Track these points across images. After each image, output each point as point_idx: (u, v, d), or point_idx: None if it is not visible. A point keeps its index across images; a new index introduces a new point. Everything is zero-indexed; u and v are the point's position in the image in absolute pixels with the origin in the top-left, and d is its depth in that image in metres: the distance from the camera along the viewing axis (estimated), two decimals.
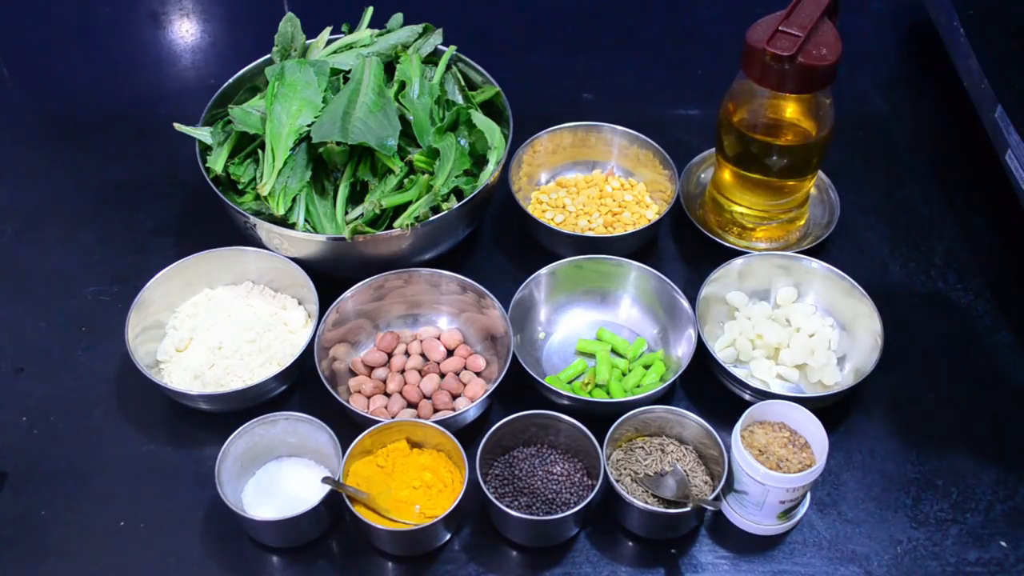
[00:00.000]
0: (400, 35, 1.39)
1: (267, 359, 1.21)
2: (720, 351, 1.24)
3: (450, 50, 1.39)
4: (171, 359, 1.22)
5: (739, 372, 1.20)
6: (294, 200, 1.24)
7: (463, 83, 1.38)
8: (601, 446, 1.09)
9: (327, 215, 1.25)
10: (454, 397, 1.20)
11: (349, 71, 1.32)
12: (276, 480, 1.13)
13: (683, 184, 1.41)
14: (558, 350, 1.28)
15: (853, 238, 1.40)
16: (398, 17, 1.42)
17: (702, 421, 1.11)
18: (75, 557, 1.10)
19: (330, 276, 1.26)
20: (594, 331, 1.28)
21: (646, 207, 1.39)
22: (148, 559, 1.10)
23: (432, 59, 1.38)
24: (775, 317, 1.27)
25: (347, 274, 1.24)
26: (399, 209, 1.24)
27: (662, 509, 1.08)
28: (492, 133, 1.30)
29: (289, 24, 1.37)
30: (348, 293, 1.22)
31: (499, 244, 1.39)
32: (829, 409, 1.19)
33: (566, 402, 1.16)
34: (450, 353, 1.25)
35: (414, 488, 1.09)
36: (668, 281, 1.24)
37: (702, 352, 1.20)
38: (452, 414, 1.13)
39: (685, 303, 1.23)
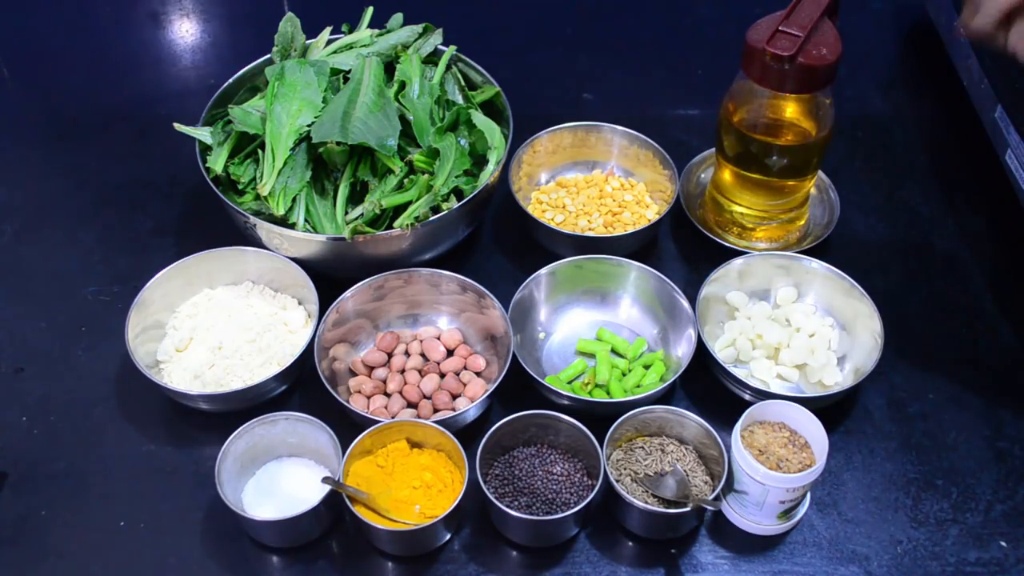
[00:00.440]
0: (400, 35, 1.39)
1: (267, 359, 1.21)
2: (720, 351, 1.24)
3: (450, 50, 1.39)
4: (171, 359, 1.22)
5: (739, 372, 1.20)
6: (294, 200, 1.24)
7: (463, 83, 1.38)
8: (601, 446, 1.09)
9: (327, 215, 1.25)
10: (454, 397, 1.20)
11: (349, 71, 1.32)
12: (276, 480, 1.13)
13: (683, 184, 1.41)
14: (558, 350, 1.28)
15: (853, 238, 1.40)
16: (398, 17, 1.42)
17: (702, 421, 1.11)
18: (75, 557, 1.10)
19: (330, 276, 1.26)
20: (594, 331, 1.28)
21: (646, 207, 1.39)
22: (148, 559, 1.10)
23: (432, 59, 1.38)
24: (775, 317, 1.27)
25: (347, 274, 1.24)
26: (399, 209, 1.24)
27: (662, 509, 1.08)
28: (492, 133, 1.30)
29: (289, 24, 1.37)
30: (348, 293, 1.22)
31: (499, 244, 1.39)
32: (829, 409, 1.19)
33: (566, 402, 1.16)
34: (450, 353, 1.25)
35: (414, 488, 1.09)
36: (668, 281, 1.24)
37: (702, 352, 1.20)
38: (452, 414, 1.13)
39: (685, 303, 1.23)
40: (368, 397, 1.19)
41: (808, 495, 1.12)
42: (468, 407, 1.13)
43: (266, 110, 1.26)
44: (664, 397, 1.20)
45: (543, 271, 1.26)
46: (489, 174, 1.28)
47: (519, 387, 1.19)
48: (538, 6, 1.78)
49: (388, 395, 1.20)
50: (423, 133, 1.28)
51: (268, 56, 1.38)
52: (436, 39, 1.40)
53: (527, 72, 1.63)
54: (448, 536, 1.10)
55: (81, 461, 1.17)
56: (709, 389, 1.22)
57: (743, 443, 1.07)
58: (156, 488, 1.15)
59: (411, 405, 1.20)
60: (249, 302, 1.27)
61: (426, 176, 1.24)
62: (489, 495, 1.06)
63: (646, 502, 1.08)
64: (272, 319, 1.25)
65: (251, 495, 1.11)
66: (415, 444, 1.13)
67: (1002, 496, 1.15)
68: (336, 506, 1.09)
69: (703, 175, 1.45)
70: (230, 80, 1.37)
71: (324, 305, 1.22)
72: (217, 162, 1.26)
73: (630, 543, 1.12)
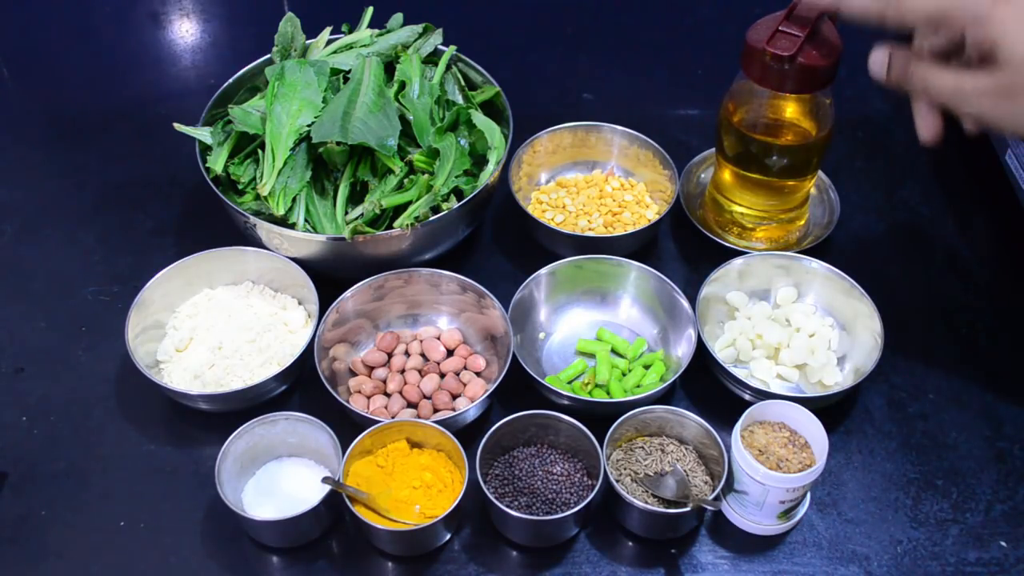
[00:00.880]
0: (400, 35, 1.39)
1: (267, 359, 1.21)
2: (720, 351, 1.24)
3: (450, 50, 1.39)
4: (171, 359, 1.22)
5: (739, 372, 1.20)
6: (294, 200, 1.24)
7: (463, 83, 1.38)
8: (601, 446, 1.09)
9: (327, 215, 1.25)
10: (454, 397, 1.20)
11: (349, 71, 1.32)
12: (276, 480, 1.13)
13: (683, 184, 1.41)
14: (558, 350, 1.28)
15: (853, 238, 1.40)
16: (398, 17, 1.42)
17: (702, 421, 1.11)
18: (75, 557, 1.10)
19: (330, 276, 1.26)
20: (594, 331, 1.28)
21: (646, 207, 1.39)
22: (148, 559, 1.10)
23: (432, 59, 1.38)
24: (775, 317, 1.27)
25: (347, 274, 1.24)
26: (399, 209, 1.24)
27: (662, 509, 1.08)
28: (492, 133, 1.30)
29: (289, 24, 1.37)
30: (348, 293, 1.22)
31: (499, 244, 1.39)
32: (829, 409, 1.19)
33: (566, 402, 1.16)
34: (450, 353, 1.25)
35: (414, 488, 1.09)
36: (668, 281, 1.24)
37: (702, 352, 1.20)
38: (452, 414, 1.13)
39: (685, 303, 1.23)
40: (368, 397, 1.19)
41: (808, 495, 1.12)
42: (468, 407, 1.13)
43: (266, 110, 1.26)
44: (664, 397, 1.20)
45: (543, 271, 1.26)
46: (489, 174, 1.28)
47: (519, 387, 1.19)
48: (538, 6, 1.78)
49: (388, 395, 1.20)
50: (423, 133, 1.28)
51: (268, 56, 1.38)
52: (436, 39, 1.40)
53: (527, 72, 1.63)
54: (448, 536, 1.10)
55: (81, 461, 1.17)
56: (709, 389, 1.22)
57: (743, 443, 1.07)
58: (156, 488, 1.15)
59: (411, 405, 1.20)
60: (249, 302, 1.27)
61: (426, 176, 1.24)
62: (489, 495, 1.06)
63: (646, 502, 1.08)
64: (272, 319, 1.25)
65: (251, 495, 1.11)
66: (415, 444, 1.13)
67: (1002, 496, 1.15)
68: (336, 506, 1.09)
69: (703, 175, 1.45)
70: (230, 80, 1.37)
71: (324, 305, 1.22)
72: (217, 162, 1.26)
73: (630, 543, 1.12)
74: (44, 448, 1.18)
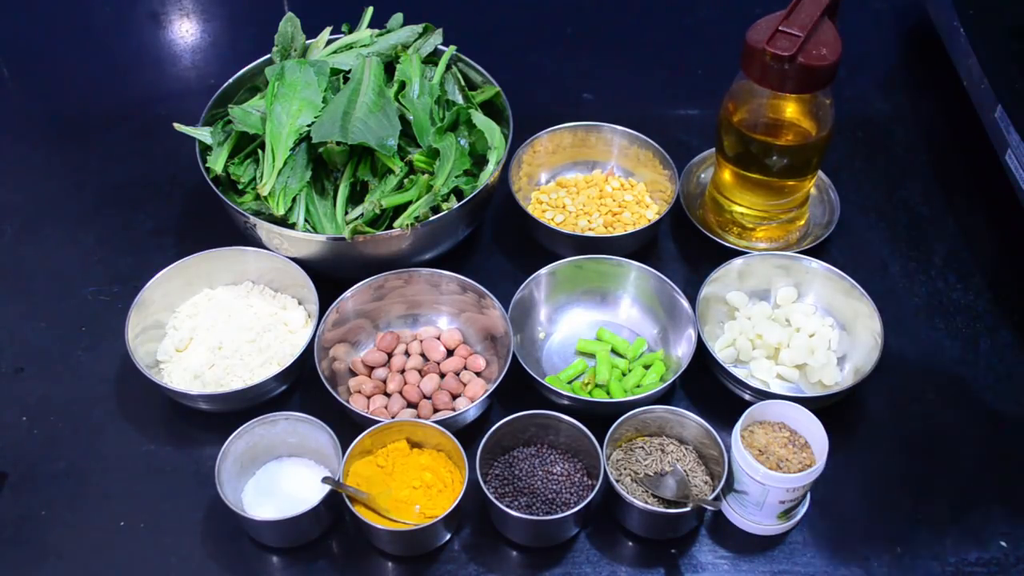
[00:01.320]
0: (400, 35, 1.39)
1: (267, 359, 1.21)
2: (720, 351, 1.24)
3: (450, 50, 1.39)
4: (171, 359, 1.22)
5: (739, 372, 1.20)
6: (294, 200, 1.24)
7: (463, 83, 1.38)
8: (601, 446, 1.09)
9: (327, 215, 1.25)
10: (454, 397, 1.20)
11: (349, 71, 1.32)
12: (276, 480, 1.13)
13: (683, 184, 1.41)
14: (558, 350, 1.28)
15: (853, 238, 1.40)
16: (398, 17, 1.42)
17: (702, 421, 1.11)
18: (75, 557, 1.10)
19: (330, 276, 1.26)
20: (594, 331, 1.28)
21: (646, 207, 1.39)
22: (148, 559, 1.10)
23: (432, 59, 1.38)
24: (775, 317, 1.27)
25: (347, 274, 1.24)
26: (399, 209, 1.24)
27: (662, 509, 1.08)
28: (492, 133, 1.30)
29: (289, 24, 1.37)
30: (348, 293, 1.22)
31: (499, 244, 1.39)
32: (829, 409, 1.19)
33: (566, 402, 1.16)
34: (450, 353, 1.25)
35: (414, 488, 1.09)
36: (668, 281, 1.24)
37: (702, 352, 1.20)
38: (452, 414, 1.13)
39: (685, 303, 1.23)
40: (368, 397, 1.19)
41: (808, 495, 1.12)
42: (468, 407, 1.13)
43: (266, 110, 1.26)
44: (664, 397, 1.20)
45: (543, 271, 1.26)
46: (489, 174, 1.28)
47: (519, 387, 1.19)
48: (538, 6, 1.78)
49: (388, 395, 1.20)
50: (423, 133, 1.28)
51: (268, 56, 1.38)
52: (436, 39, 1.40)
53: (527, 72, 1.63)
54: (448, 536, 1.10)
55: (81, 461, 1.17)
56: (709, 389, 1.22)
57: (743, 443, 1.07)
58: (156, 488, 1.15)
59: (411, 405, 1.20)
60: (249, 302, 1.27)
61: (426, 176, 1.24)
62: (489, 495, 1.06)
63: (646, 502, 1.08)
64: (272, 319, 1.25)
65: (251, 495, 1.11)
66: (415, 444, 1.13)
67: (1002, 496, 1.15)
68: (336, 506, 1.09)
69: (703, 175, 1.45)
70: (230, 80, 1.37)
71: (324, 305, 1.22)
72: (217, 162, 1.26)
73: (630, 543, 1.12)
74: (44, 448, 1.18)
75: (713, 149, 1.37)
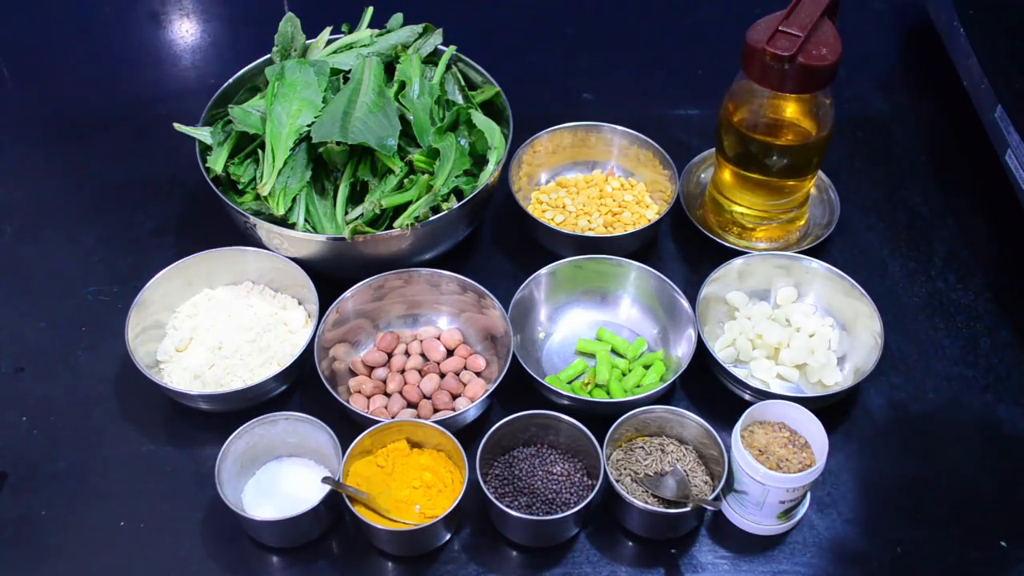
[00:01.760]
0: (400, 35, 1.39)
1: (267, 359, 1.21)
2: (720, 351, 1.24)
3: (450, 50, 1.39)
4: (171, 359, 1.22)
5: (739, 372, 1.20)
6: (294, 200, 1.24)
7: (463, 83, 1.38)
8: (601, 446, 1.09)
9: (327, 215, 1.25)
10: (454, 397, 1.20)
11: (349, 71, 1.32)
12: (276, 480, 1.13)
13: (683, 184, 1.41)
14: (558, 350, 1.28)
15: (853, 238, 1.40)
16: (398, 17, 1.42)
17: (702, 421, 1.11)
18: (75, 557, 1.10)
19: (330, 276, 1.26)
20: (594, 331, 1.28)
21: (646, 207, 1.39)
22: (148, 559, 1.10)
23: (432, 59, 1.38)
24: (775, 317, 1.27)
25: (347, 274, 1.24)
26: (399, 209, 1.24)
27: (662, 509, 1.08)
28: (492, 133, 1.30)
29: (289, 24, 1.37)
30: (348, 293, 1.22)
31: (499, 244, 1.39)
32: (829, 409, 1.19)
33: (566, 402, 1.16)
34: (450, 353, 1.25)
35: (414, 488, 1.09)
36: (668, 281, 1.24)
37: (702, 352, 1.20)
38: (452, 414, 1.13)
39: (685, 303, 1.23)
40: (368, 397, 1.19)
41: (808, 495, 1.12)
42: (468, 407, 1.13)
43: (266, 110, 1.26)
44: (664, 397, 1.20)
45: (543, 271, 1.26)
46: (489, 174, 1.28)
47: (519, 387, 1.19)
48: (538, 6, 1.78)
49: (388, 395, 1.20)
50: (423, 133, 1.28)
51: (268, 56, 1.38)
52: (436, 39, 1.40)
53: (527, 72, 1.63)
54: (448, 536, 1.10)
55: (81, 461, 1.17)
56: (709, 389, 1.22)
57: (743, 443, 1.07)
58: (156, 488, 1.15)
59: (411, 405, 1.20)
60: (249, 302, 1.27)
61: (426, 176, 1.24)
62: (489, 495, 1.06)
63: (646, 502, 1.08)
64: (272, 319, 1.25)
65: (251, 495, 1.11)
66: (415, 444, 1.13)
67: (1002, 496, 1.15)
68: (336, 506, 1.09)
69: (703, 175, 1.45)
70: (230, 80, 1.37)
71: (324, 305, 1.22)
72: (217, 162, 1.26)
73: (630, 543, 1.12)
74: (44, 448, 1.18)
75: (713, 149, 1.37)
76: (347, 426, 1.12)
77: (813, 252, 1.33)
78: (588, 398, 1.17)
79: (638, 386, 1.21)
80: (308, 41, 1.39)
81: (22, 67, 1.67)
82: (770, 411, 1.11)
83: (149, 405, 1.22)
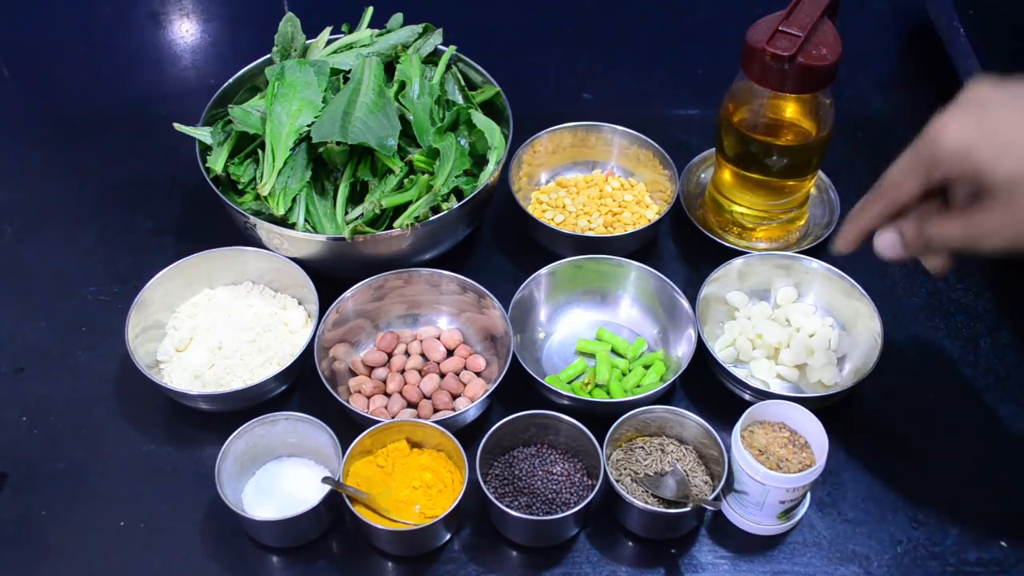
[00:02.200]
0: (400, 35, 1.39)
1: (267, 359, 1.21)
2: (720, 351, 1.24)
3: (450, 50, 1.39)
4: (171, 359, 1.22)
5: (739, 372, 1.20)
6: (294, 200, 1.24)
7: (463, 83, 1.38)
8: (601, 446, 1.09)
9: (327, 215, 1.25)
10: (454, 397, 1.20)
11: (349, 71, 1.32)
12: (276, 480, 1.13)
13: (683, 184, 1.41)
14: (558, 350, 1.28)
15: None
16: (398, 17, 1.42)
17: (702, 421, 1.11)
18: (75, 557, 1.10)
19: (330, 276, 1.26)
20: (594, 331, 1.28)
21: (646, 207, 1.39)
22: (148, 559, 1.10)
23: (432, 59, 1.38)
24: (775, 317, 1.27)
25: (347, 274, 1.24)
26: (399, 209, 1.24)
27: (662, 509, 1.08)
28: (492, 133, 1.30)
29: (289, 24, 1.37)
30: (348, 293, 1.22)
31: (499, 244, 1.39)
32: (829, 409, 1.19)
33: (566, 402, 1.16)
34: (450, 353, 1.25)
35: (414, 488, 1.09)
36: (668, 281, 1.24)
37: (702, 352, 1.20)
38: (452, 414, 1.13)
39: (685, 303, 1.23)
40: (368, 397, 1.19)
41: (808, 495, 1.12)
42: (468, 407, 1.13)
43: (266, 110, 1.26)
44: (664, 397, 1.20)
45: (543, 271, 1.26)
46: (489, 174, 1.28)
47: (519, 387, 1.19)
48: (538, 6, 1.78)
49: (388, 395, 1.20)
50: (423, 133, 1.28)
51: (268, 56, 1.38)
52: (436, 39, 1.40)
53: (527, 72, 1.63)
54: (448, 536, 1.10)
55: (81, 461, 1.17)
56: (709, 389, 1.22)
57: (743, 443, 1.07)
58: (156, 488, 1.15)
59: (411, 405, 1.20)
60: (249, 302, 1.27)
61: (426, 176, 1.24)
62: (489, 495, 1.06)
63: (646, 502, 1.08)
64: (272, 319, 1.25)
65: (251, 495, 1.11)
66: (415, 444, 1.13)
67: (1002, 496, 1.15)
68: (336, 506, 1.09)
69: (703, 175, 1.45)
70: (230, 80, 1.37)
71: (324, 305, 1.22)
72: (217, 162, 1.26)
73: (630, 543, 1.12)
74: (44, 448, 1.18)
75: (713, 149, 1.37)
76: (347, 426, 1.12)
77: (813, 252, 1.33)
78: (588, 398, 1.17)
79: (638, 386, 1.21)
80: (308, 41, 1.39)
81: (22, 67, 1.67)
82: (770, 411, 1.11)
83: (149, 405, 1.22)
